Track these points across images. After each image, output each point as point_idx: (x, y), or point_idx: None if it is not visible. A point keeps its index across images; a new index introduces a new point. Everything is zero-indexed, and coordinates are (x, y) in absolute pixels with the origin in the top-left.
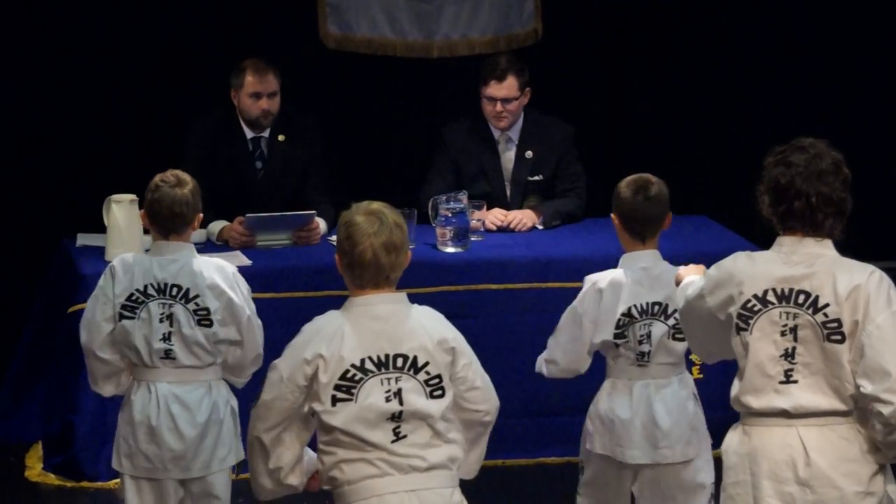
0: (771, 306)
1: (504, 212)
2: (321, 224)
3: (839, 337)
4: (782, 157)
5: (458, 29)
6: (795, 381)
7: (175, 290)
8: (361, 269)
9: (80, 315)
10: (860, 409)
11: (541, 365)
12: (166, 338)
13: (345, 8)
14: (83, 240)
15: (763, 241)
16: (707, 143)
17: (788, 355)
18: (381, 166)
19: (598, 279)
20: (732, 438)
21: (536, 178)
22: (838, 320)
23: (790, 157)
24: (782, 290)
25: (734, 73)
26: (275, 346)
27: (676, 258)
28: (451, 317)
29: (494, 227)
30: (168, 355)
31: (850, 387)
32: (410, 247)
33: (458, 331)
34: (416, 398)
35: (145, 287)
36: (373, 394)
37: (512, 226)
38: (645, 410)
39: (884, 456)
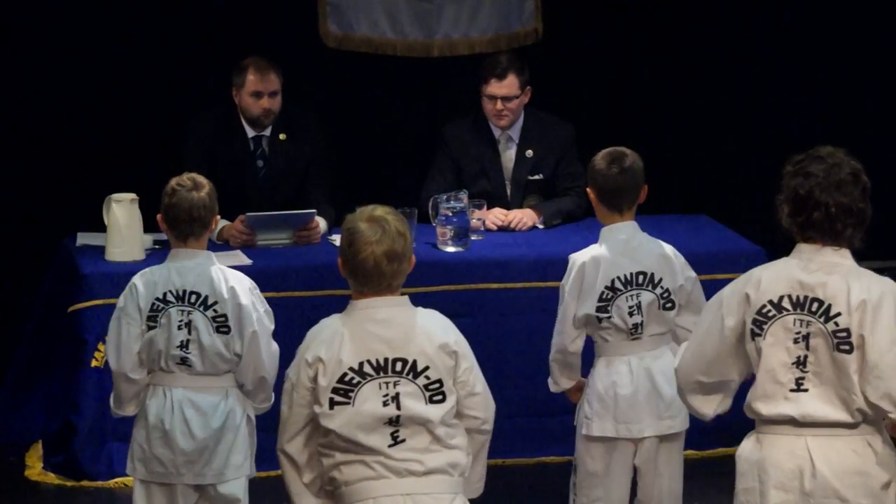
0: (786, 312)
1: (504, 211)
2: (321, 223)
3: (848, 347)
4: (801, 167)
5: (459, 28)
6: (806, 390)
7: (194, 298)
8: (363, 276)
9: (80, 314)
10: (870, 421)
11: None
12: (184, 345)
13: (345, 7)
14: (83, 239)
15: (763, 240)
16: (707, 142)
17: (800, 363)
18: (381, 166)
19: (579, 255)
20: (746, 445)
21: (537, 177)
22: (847, 330)
23: (809, 167)
24: (797, 297)
25: (734, 72)
26: None
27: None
28: (451, 316)
29: (495, 227)
30: (184, 362)
31: (858, 399)
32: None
33: (459, 330)
34: (414, 403)
35: (164, 294)
36: (370, 398)
37: (512, 225)
38: (646, 383)
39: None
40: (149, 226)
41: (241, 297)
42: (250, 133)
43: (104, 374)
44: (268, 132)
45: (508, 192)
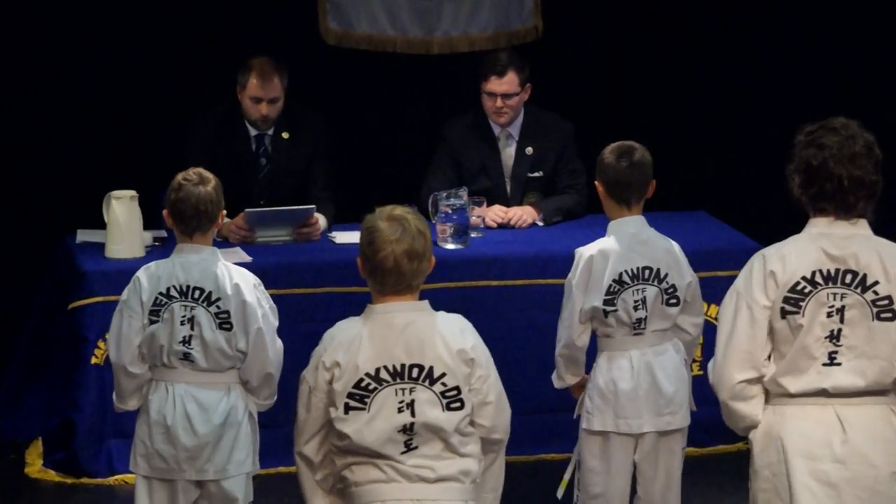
0: (819, 287)
1: (504, 208)
2: (321, 220)
3: (890, 314)
4: (814, 138)
5: (459, 25)
6: (839, 364)
7: (197, 293)
8: (383, 275)
9: (80, 311)
10: None
11: (553, 376)
12: (186, 341)
13: (345, 4)
14: (83, 236)
15: (762, 239)
16: (706, 139)
17: (834, 337)
18: (381, 163)
19: (586, 249)
20: (763, 419)
21: (537, 174)
22: (889, 297)
23: (823, 138)
24: (828, 271)
25: (733, 70)
26: None
27: None
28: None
29: (495, 224)
30: (187, 358)
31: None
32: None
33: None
34: (429, 410)
35: (168, 289)
36: (386, 404)
37: (512, 222)
38: (647, 378)
39: None
40: (149, 223)
41: (246, 293)
42: (253, 132)
43: (104, 372)
44: (271, 130)
45: (508, 189)
